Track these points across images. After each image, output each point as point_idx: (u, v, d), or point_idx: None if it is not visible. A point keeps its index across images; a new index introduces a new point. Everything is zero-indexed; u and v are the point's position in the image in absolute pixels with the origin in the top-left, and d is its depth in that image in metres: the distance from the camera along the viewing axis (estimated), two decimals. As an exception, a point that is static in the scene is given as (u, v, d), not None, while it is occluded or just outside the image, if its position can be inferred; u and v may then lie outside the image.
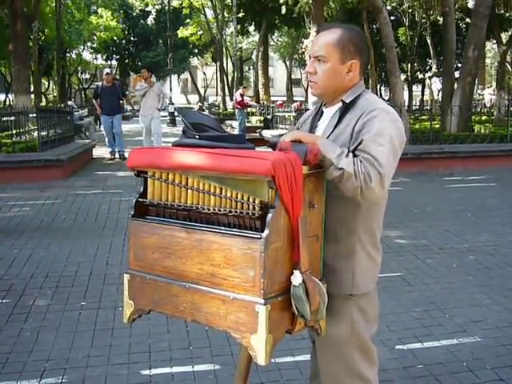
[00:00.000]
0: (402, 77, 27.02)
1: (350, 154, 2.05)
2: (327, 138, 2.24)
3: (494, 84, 29.08)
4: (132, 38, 48.90)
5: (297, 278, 1.93)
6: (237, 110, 21.62)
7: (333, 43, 2.20)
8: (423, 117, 20.83)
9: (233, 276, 1.92)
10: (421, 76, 38.67)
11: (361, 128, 2.13)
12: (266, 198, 1.91)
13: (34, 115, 12.46)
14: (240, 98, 21.12)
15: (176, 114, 28.25)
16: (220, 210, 1.98)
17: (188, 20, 41.32)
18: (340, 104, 2.27)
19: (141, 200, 2.18)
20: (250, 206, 1.93)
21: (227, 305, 1.93)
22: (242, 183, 1.94)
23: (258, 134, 13.31)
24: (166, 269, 2.09)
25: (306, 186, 2.00)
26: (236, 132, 18.92)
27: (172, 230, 2.07)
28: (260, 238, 1.86)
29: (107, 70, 16.35)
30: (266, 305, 1.86)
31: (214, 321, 1.98)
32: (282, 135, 2.22)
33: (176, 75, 51.76)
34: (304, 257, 1.96)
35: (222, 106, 38.78)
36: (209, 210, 2.00)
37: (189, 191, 2.05)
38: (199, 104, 36.20)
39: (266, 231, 1.86)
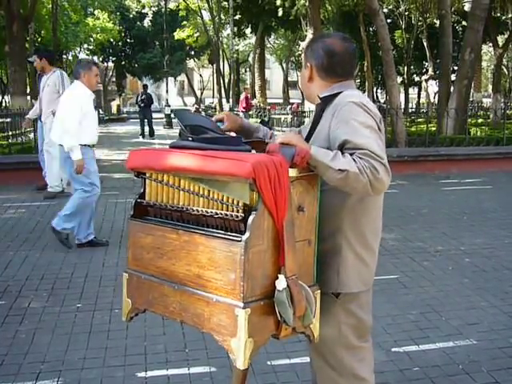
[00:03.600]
0: (399, 79, 27.08)
1: (346, 154, 2.03)
2: (310, 136, 2.29)
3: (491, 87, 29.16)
4: (128, 40, 48.90)
5: (281, 283, 1.91)
6: (241, 114, 21.73)
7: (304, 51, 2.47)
8: (419, 119, 20.92)
9: (216, 278, 1.92)
10: (417, 79, 38.81)
11: (336, 127, 2.14)
12: (248, 201, 1.91)
13: (31, 117, 12.41)
14: (245, 102, 21.33)
15: (173, 115, 28.24)
16: (207, 212, 1.99)
17: (185, 22, 41.34)
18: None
19: (139, 201, 2.21)
20: (235, 209, 1.93)
21: (211, 307, 1.94)
22: (227, 185, 1.94)
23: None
24: (159, 269, 2.11)
25: (294, 189, 1.99)
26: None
27: (164, 230, 2.09)
28: (240, 241, 1.85)
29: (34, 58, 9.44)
30: (246, 308, 1.85)
31: (199, 322, 1.98)
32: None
33: (172, 77, 51.74)
34: (290, 261, 1.94)
35: (218, 107, 38.79)
36: (198, 211, 2.02)
37: (181, 192, 2.07)
38: (195, 106, 36.17)
39: (247, 234, 1.85)
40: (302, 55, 2.46)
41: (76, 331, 4.27)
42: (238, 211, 1.91)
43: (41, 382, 3.53)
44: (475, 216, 8.03)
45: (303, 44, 19.71)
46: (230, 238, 1.90)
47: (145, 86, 24.09)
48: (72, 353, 3.91)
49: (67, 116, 5.97)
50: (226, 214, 1.94)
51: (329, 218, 2.20)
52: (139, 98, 22.07)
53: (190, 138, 2.14)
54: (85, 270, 5.63)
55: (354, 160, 2.00)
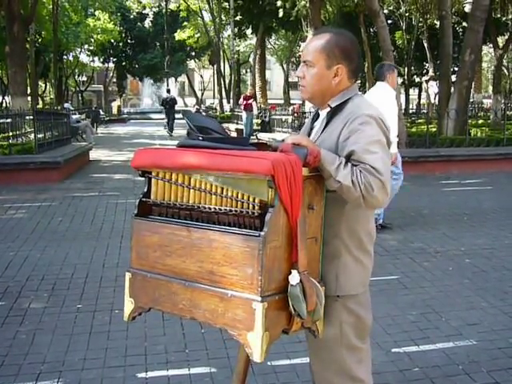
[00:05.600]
0: (399, 80, 27.09)
1: (349, 165, 2.06)
2: (314, 142, 2.26)
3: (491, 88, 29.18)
4: (129, 41, 48.97)
5: (294, 278, 1.95)
6: (243, 113, 21.89)
7: (319, 49, 2.23)
8: (420, 120, 20.86)
9: (231, 274, 1.95)
10: (417, 80, 38.80)
11: (347, 136, 2.13)
12: (265, 198, 1.94)
13: (31, 117, 12.46)
14: (242, 101, 21.44)
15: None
16: (221, 209, 2.01)
17: (185, 23, 41.35)
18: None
19: (144, 200, 2.21)
20: (250, 206, 1.96)
21: (225, 302, 1.96)
22: (243, 183, 1.97)
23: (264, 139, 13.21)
24: (167, 267, 2.12)
25: (305, 188, 2.02)
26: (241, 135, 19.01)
27: (173, 228, 2.10)
28: (258, 236, 1.88)
29: None
30: (263, 302, 1.88)
31: (212, 318, 2.00)
32: (283, 140, 2.23)
33: (173, 78, 51.75)
34: (302, 257, 1.98)
35: (219, 108, 38.78)
36: (210, 209, 2.04)
37: (191, 191, 2.09)
38: (196, 106, 36.11)
39: (265, 229, 1.88)
40: (313, 53, 2.23)
41: (76, 332, 4.27)
42: (254, 208, 1.95)
43: (41, 382, 3.53)
44: (475, 217, 8.03)
45: (304, 45, 19.72)
46: (248, 233, 1.93)
47: (168, 91, 28.18)
48: (72, 353, 3.91)
49: (386, 114, 6.52)
50: (242, 211, 1.96)
51: (328, 225, 2.22)
52: (165, 101, 24.89)
53: (201, 138, 2.15)
54: (85, 270, 5.63)
55: (353, 172, 2.03)
